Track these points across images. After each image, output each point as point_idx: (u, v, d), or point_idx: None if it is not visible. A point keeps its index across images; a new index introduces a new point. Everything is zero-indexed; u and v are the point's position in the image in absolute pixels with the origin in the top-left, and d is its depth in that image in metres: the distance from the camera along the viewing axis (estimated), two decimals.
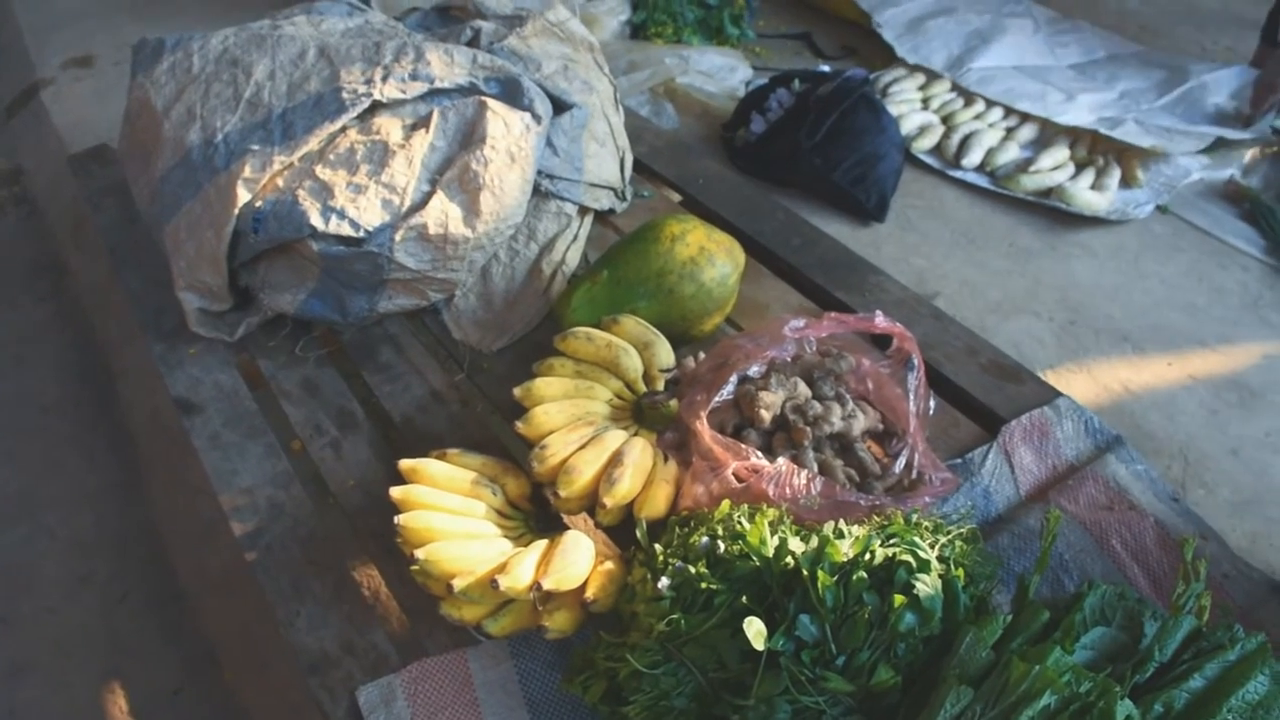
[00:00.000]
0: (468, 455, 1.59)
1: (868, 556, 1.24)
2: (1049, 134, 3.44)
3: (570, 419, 1.57)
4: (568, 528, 1.54)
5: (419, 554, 1.37)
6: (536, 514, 1.59)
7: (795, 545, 1.28)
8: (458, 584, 1.34)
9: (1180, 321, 2.81)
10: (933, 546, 1.28)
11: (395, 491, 1.48)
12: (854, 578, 1.21)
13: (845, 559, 1.24)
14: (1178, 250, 3.08)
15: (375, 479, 1.67)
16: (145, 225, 2.06)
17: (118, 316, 2.50)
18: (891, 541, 1.27)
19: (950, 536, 1.30)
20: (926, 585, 1.20)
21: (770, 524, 1.33)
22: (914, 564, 1.23)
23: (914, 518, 1.34)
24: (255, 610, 1.70)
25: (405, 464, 1.53)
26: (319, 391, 1.84)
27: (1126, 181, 3.24)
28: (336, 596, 1.52)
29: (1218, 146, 3.45)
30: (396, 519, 1.43)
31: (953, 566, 1.26)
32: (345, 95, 1.84)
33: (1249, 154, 3.44)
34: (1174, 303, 2.88)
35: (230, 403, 1.83)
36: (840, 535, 1.29)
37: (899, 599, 1.19)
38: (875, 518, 1.35)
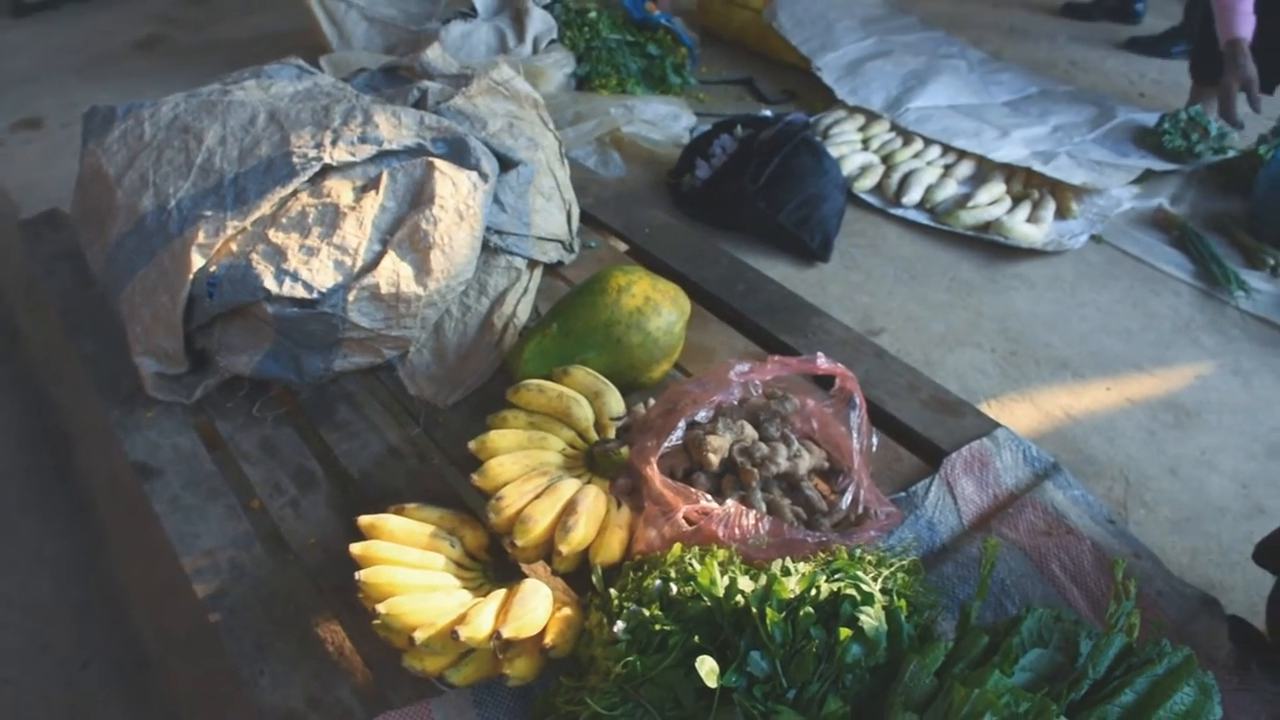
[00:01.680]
0: (425, 509, 1.62)
1: (814, 592, 1.29)
2: (986, 170, 3.55)
3: (525, 469, 1.61)
4: (526, 576, 1.58)
5: (380, 608, 1.40)
6: (495, 564, 1.62)
7: (745, 584, 1.33)
8: (419, 636, 1.37)
9: (1116, 347, 2.91)
10: (876, 579, 1.33)
11: (355, 548, 1.51)
12: (801, 613, 1.26)
13: (792, 595, 1.29)
14: (1112, 278, 3.18)
15: (335, 536, 1.70)
16: (99, 290, 2.08)
17: (73, 381, 2.51)
18: (836, 576, 1.32)
19: (893, 569, 1.36)
20: (870, 617, 1.26)
21: (720, 564, 1.38)
22: (858, 597, 1.28)
23: (858, 552, 1.40)
24: (221, 672, 1.72)
25: (364, 520, 1.56)
26: (277, 451, 1.87)
27: (1061, 213, 3.36)
28: (300, 654, 1.54)
29: (1146, 176, 3.58)
30: (357, 575, 1.46)
31: (895, 598, 1.31)
32: (296, 159, 1.89)
33: (1175, 183, 3.57)
34: (1110, 329, 2.97)
35: (189, 465, 1.85)
36: (787, 573, 1.34)
37: (844, 632, 1.24)
38: (821, 554, 1.41)
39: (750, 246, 3.13)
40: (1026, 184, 3.48)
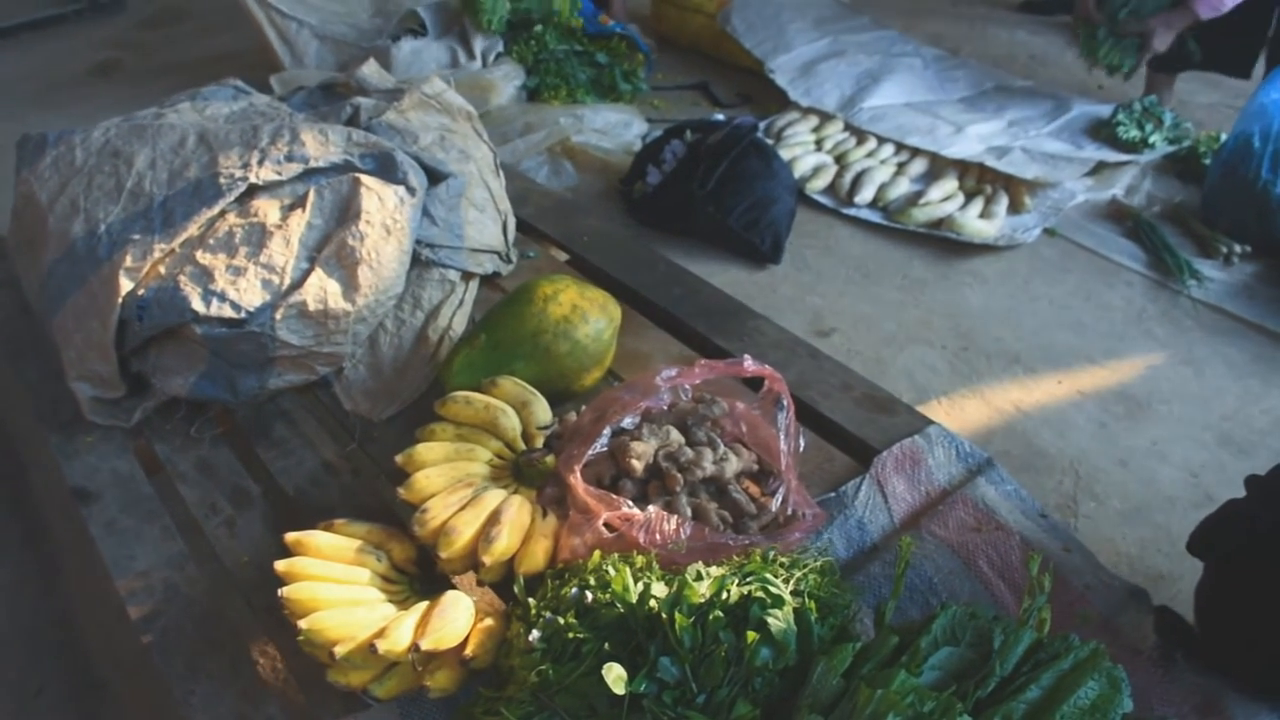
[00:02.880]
0: (354, 524, 1.63)
1: (724, 596, 1.30)
2: (939, 167, 3.57)
3: (451, 481, 1.62)
4: (454, 588, 1.58)
5: (302, 624, 1.41)
6: (423, 577, 1.63)
7: (659, 590, 1.33)
8: (338, 651, 1.37)
9: (1069, 340, 2.92)
10: (787, 581, 1.34)
11: (280, 565, 1.51)
12: (711, 617, 1.26)
13: (703, 600, 1.29)
14: (1066, 271, 3.20)
15: (269, 554, 1.69)
16: (37, 317, 2.08)
17: (23, 408, 2.51)
18: (748, 580, 1.33)
19: (805, 571, 1.36)
20: (779, 619, 1.26)
21: (638, 570, 1.38)
22: (767, 600, 1.28)
23: (771, 555, 1.40)
24: (161, 693, 1.72)
25: (290, 537, 1.57)
26: (214, 471, 1.87)
27: (1015, 208, 3.37)
28: (232, 673, 1.54)
29: (1101, 168, 3.60)
30: (280, 591, 1.46)
31: (806, 599, 1.32)
32: (223, 180, 1.89)
33: (1130, 174, 3.59)
34: (1062, 322, 2.99)
35: (126, 489, 1.85)
36: (700, 577, 1.35)
37: (752, 635, 1.24)
38: (737, 558, 1.41)
39: (702, 251, 3.14)
40: (980, 179, 3.50)
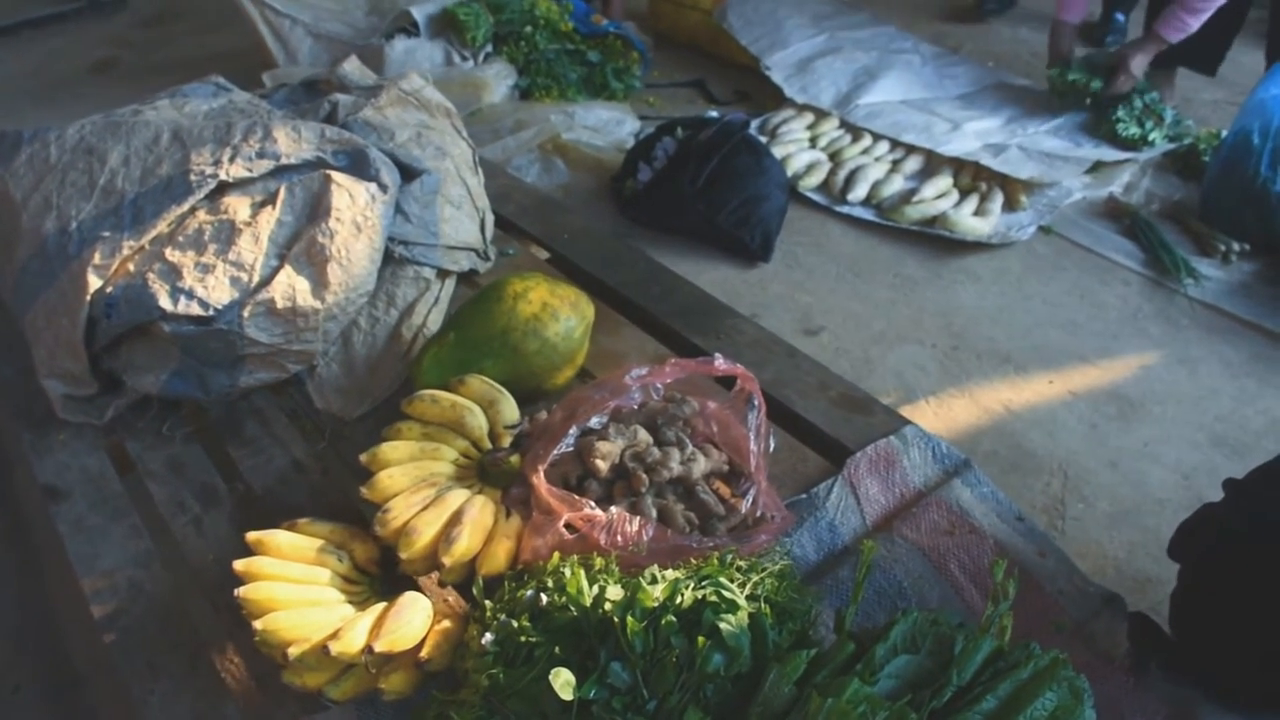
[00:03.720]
0: (317, 524, 1.61)
1: (678, 600, 1.27)
2: (935, 164, 3.53)
3: (414, 481, 1.60)
4: (417, 588, 1.57)
5: (257, 625, 1.40)
6: (385, 577, 1.61)
7: (615, 593, 1.31)
8: (292, 652, 1.36)
9: (1061, 339, 2.89)
10: (744, 586, 1.32)
11: (239, 564, 1.50)
12: (663, 622, 1.24)
13: (656, 604, 1.27)
14: (1060, 269, 3.16)
15: (233, 554, 1.67)
16: (10, 315, 2.08)
17: (2, 406, 2.51)
18: (704, 584, 1.31)
19: (763, 575, 1.34)
20: (731, 625, 1.24)
21: (595, 573, 1.36)
22: (721, 604, 1.26)
23: (729, 558, 1.38)
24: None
25: (252, 536, 1.55)
26: (184, 469, 1.86)
27: (1010, 205, 3.34)
28: (191, 673, 1.53)
29: (1098, 165, 3.56)
30: (237, 591, 1.45)
31: (763, 604, 1.29)
32: (193, 177, 1.88)
33: (1129, 171, 3.55)
34: (1055, 321, 2.96)
35: (96, 486, 1.85)
36: (654, 580, 1.33)
37: (703, 640, 1.22)
38: (694, 561, 1.39)
39: (692, 249, 3.12)
40: (976, 177, 3.47)
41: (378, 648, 1.34)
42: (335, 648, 1.33)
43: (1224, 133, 3.61)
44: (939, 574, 1.60)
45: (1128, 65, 3.63)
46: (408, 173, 2.02)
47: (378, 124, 2.12)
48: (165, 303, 1.76)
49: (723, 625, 1.23)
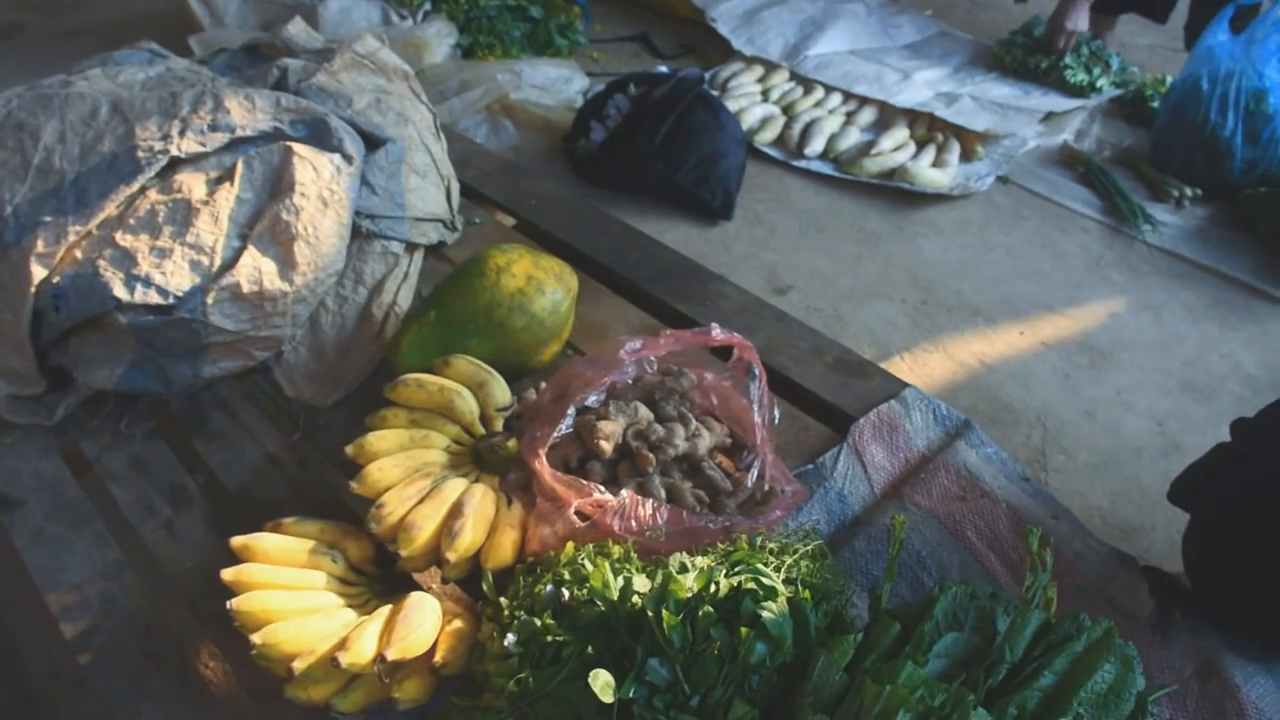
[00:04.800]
0: (304, 523, 1.51)
1: (712, 589, 1.21)
2: (888, 116, 3.49)
3: (407, 472, 1.51)
4: (417, 586, 1.48)
5: (255, 639, 1.30)
6: (383, 576, 1.52)
7: (641, 584, 1.24)
8: (297, 666, 1.27)
9: (1028, 290, 2.87)
10: (778, 570, 1.26)
11: (227, 573, 1.40)
12: (700, 613, 1.18)
13: (690, 594, 1.20)
14: (1021, 219, 3.15)
15: (213, 558, 1.57)
16: None
17: None
18: (737, 570, 1.25)
19: (796, 556, 1.28)
20: (773, 612, 1.18)
21: (615, 563, 1.29)
22: (759, 592, 1.20)
23: (759, 541, 1.32)
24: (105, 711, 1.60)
25: (236, 542, 1.45)
26: (148, 469, 1.74)
27: (967, 155, 3.31)
28: (179, 690, 1.43)
29: (1049, 113, 3.55)
30: (229, 603, 1.35)
31: (800, 588, 1.24)
32: (141, 154, 1.75)
33: (1079, 119, 3.54)
34: (1021, 272, 2.94)
35: (53, 492, 1.72)
36: (685, 569, 1.26)
37: (746, 631, 1.16)
38: (721, 545, 1.33)
39: (651, 209, 3.03)
40: (931, 128, 3.43)
41: (390, 656, 1.26)
42: (345, 659, 1.25)
43: (1169, 78, 3.63)
44: (956, 541, 1.56)
45: (1062, 25, 3.63)
46: (371, 141, 1.90)
47: (333, 90, 1.99)
48: (120, 292, 1.63)
49: (764, 614, 1.17)
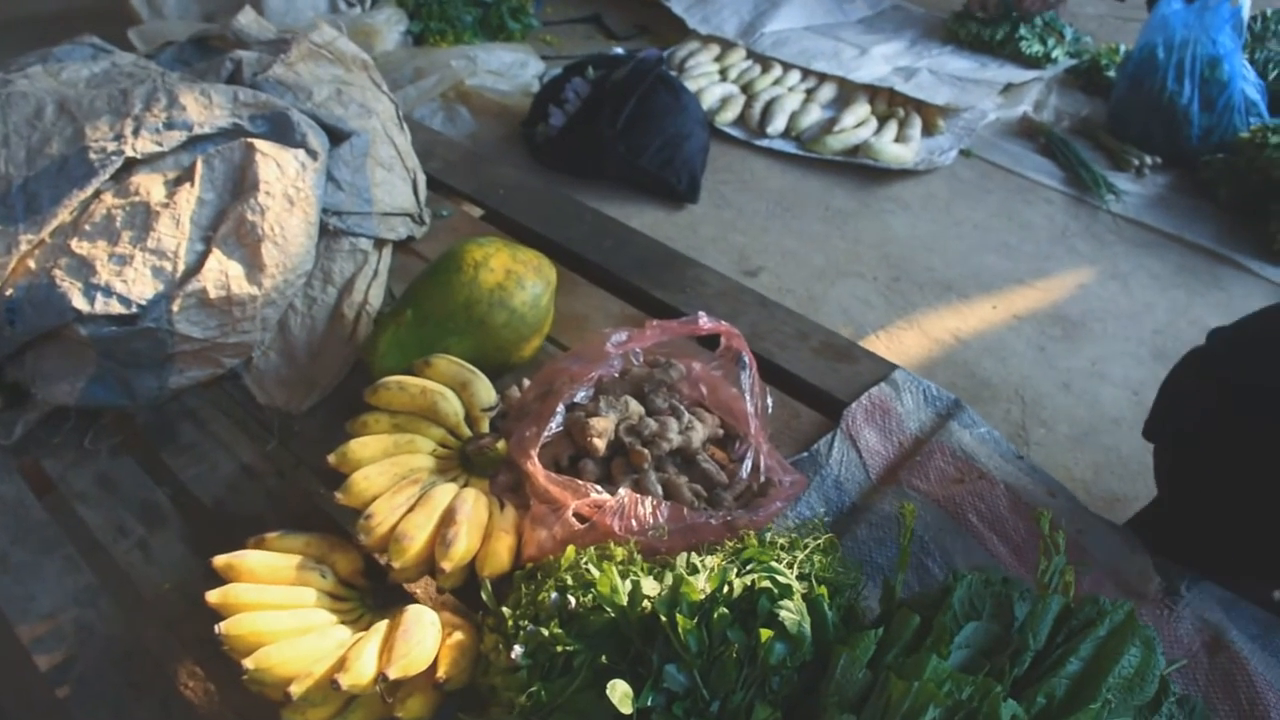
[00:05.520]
0: (289, 537, 1.45)
1: (726, 590, 1.17)
2: (848, 92, 3.46)
3: (394, 479, 1.45)
4: (410, 598, 1.43)
5: (247, 663, 1.24)
6: (374, 588, 1.46)
7: (650, 587, 1.20)
8: (295, 690, 1.21)
9: (997, 263, 2.87)
10: (790, 565, 1.22)
11: (212, 596, 1.33)
12: (715, 616, 1.14)
13: (703, 596, 1.16)
14: (985, 192, 3.14)
15: (193, 578, 1.51)
16: None
17: None
18: (749, 568, 1.21)
19: (807, 551, 1.25)
20: (791, 611, 1.14)
21: (620, 566, 1.25)
22: (775, 590, 1.16)
23: (768, 537, 1.28)
24: None
25: (219, 561, 1.38)
26: (117, 487, 1.66)
27: (928, 130, 3.29)
28: (165, 719, 1.37)
29: (1006, 85, 3.54)
30: (217, 627, 1.28)
31: (815, 584, 1.20)
32: (93, 155, 1.66)
33: (1036, 90, 3.54)
34: (988, 245, 2.93)
35: (15, 516, 1.63)
36: (694, 570, 1.22)
37: (765, 632, 1.12)
38: (729, 543, 1.29)
39: (615, 194, 2.98)
40: (891, 103, 3.41)
41: (392, 674, 1.20)
42: (346, 681, 1.19)
43: (1122, 47, 3.64)
44: (958, 525, 1.53)
45: None
46: (334, 135, 1.83)
47: (291, 82, 1.91)
48: (79, 303, 1.55)
49: (782, 613, 1.14)
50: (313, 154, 1.74)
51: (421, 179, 2.09)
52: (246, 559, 1.38)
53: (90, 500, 1.65)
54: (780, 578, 1.18)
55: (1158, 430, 1.59)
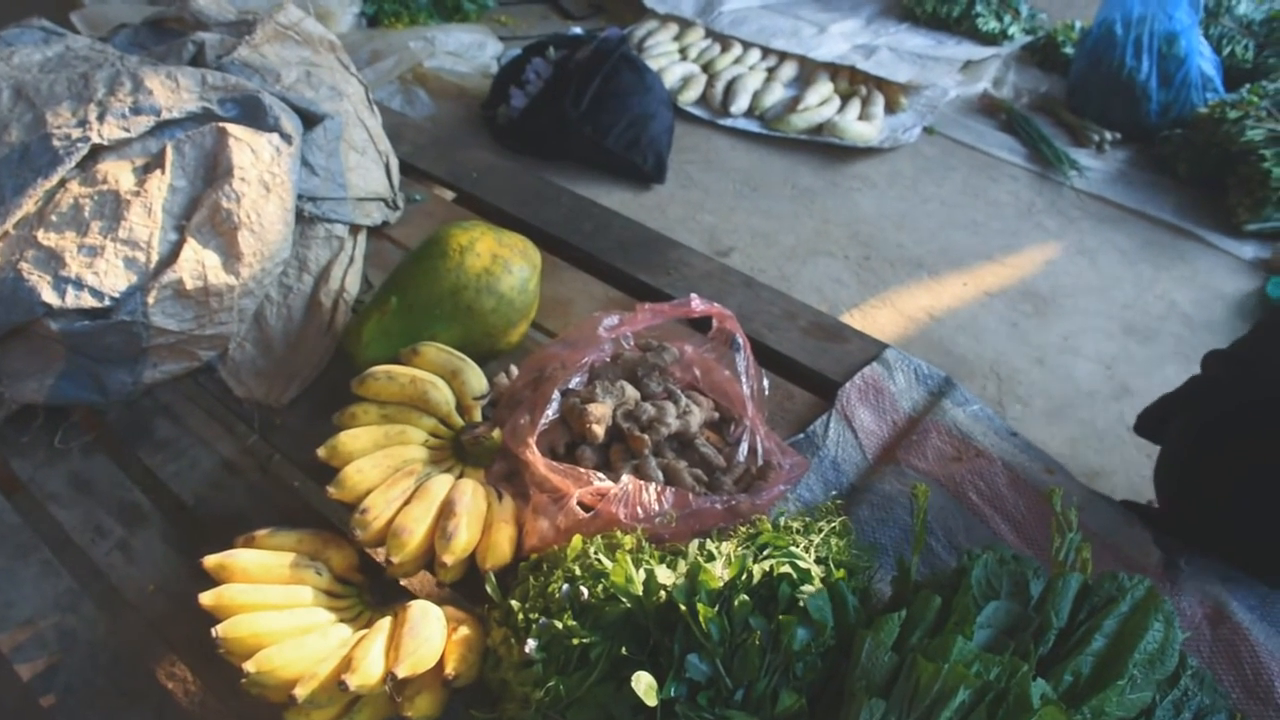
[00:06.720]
0: (280, 534, 1.40)
1: (745, 577, 1.15)
2: (810, 70, 3.45)
3: (387, 472, 1.41)
4: (408, 593, 1.39)
5: (248, 666, 1.19)
6: (371, 584, 1.42)
7: (664, 575, 1.18)
8: (300, 693, 1.17)
9: (966, 240, 2.87)
10: (807, 550, 1.20)
11: (206, 598, 1.28)
12: (736, 603, 1.12)
13: (722, 584, 1.14)
14: (950, 169, 3.15)
15: (178, 577, 1.45)
16: None
17: None
18: (765, 554, 1.19)
19: (823, 535, 1.23)
20: (813, 596, 1.13)
21: (631, 555, 1.22)
22: (795, 575, 1.14)
23: (781, 521, 1.26)
24: None
25: (210, 561, 1.33)
26: (92, 487, 1.60)
27: (891, 107, 3.29)
28: None
29: (967, 62, 3.55)
30: (214, 631, 1.24)
31: (833, 567, 1.18)
32: (57, 142, 1.59)
33: (994, 66, 3.56)
34: (956, 222, 2.94)
35: None
36: (710, 557, 1.20)
37: (787, 618, 1.10)
38: (742, 528, 1.26)
39: (581, 175, 2.94)
40: (853, 81, 3.41)
41: (400, 673, 1.17)
42: (353, 681, 1.15)
43: (1078, 24, 3.66)
44: (959, 504, 1.53)
45: None
46: (307, 119, 1.77)
47: (258, 65, 1.85)
48: (49, 297, 1.48)
49: (804, 598, 1.12)
50: (287, 138, 1.68)
51: (394, 162, 2.04)
52: (239, 558, 1.34)
53: (64, 501, 1.58)
54: (800, 562, 1.16)
55: (1155, 429, 1.59)
